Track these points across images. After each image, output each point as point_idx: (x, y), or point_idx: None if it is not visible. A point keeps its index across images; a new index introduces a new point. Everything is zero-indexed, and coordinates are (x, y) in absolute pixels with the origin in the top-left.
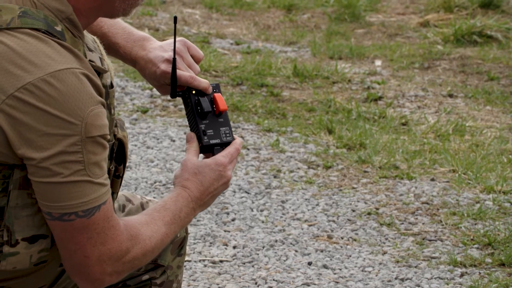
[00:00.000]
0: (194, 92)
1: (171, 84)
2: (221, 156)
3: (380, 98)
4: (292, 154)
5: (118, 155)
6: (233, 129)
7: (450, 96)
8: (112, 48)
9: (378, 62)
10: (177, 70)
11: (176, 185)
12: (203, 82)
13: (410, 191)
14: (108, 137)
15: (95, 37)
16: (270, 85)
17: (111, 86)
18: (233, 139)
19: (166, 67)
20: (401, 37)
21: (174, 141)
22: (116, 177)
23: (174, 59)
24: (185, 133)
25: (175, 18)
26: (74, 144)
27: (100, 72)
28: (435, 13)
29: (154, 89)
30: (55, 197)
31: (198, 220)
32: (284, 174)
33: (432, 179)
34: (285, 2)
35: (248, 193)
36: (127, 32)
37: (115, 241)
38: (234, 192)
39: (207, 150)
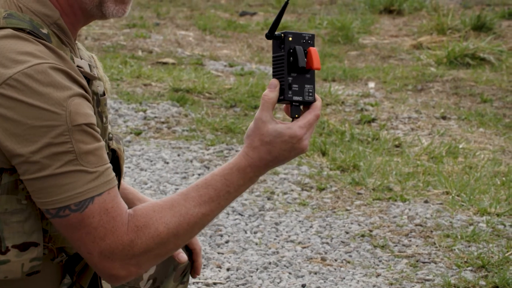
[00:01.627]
0: (290, 38)
1: (273, 23)
2: (298, 127)
3: (373, 120)
4: (286, 176)
5: (113, 167)
6: (226, 151)
7: (443, 118)
8: None
9: (371, 84)
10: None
11: (243, 147)
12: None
13: (403, 213)
14: (96, 128)
15: (93, 54)
16: None
17: (103, 94)
18: (315, 100)
19: None
20: (394, 59)
21: (167, 163)
22: None
23: (287, 2)
24: (178, 155)
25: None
26: (61, 134)
27: (89, 78)
28: (428, 35)
29: (148, 111)
30: (49, 192)
31: None
32: (277, 196)
33: (426, 201)
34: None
35: (242, 215)
36: None
37: (114, 235)
38: (228, 214)
39: (287, 103)
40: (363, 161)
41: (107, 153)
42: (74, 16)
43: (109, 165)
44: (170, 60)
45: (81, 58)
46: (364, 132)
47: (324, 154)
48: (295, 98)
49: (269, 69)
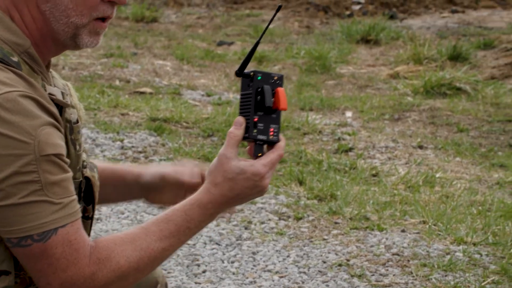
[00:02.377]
0: (260, 77)
1: (244, 61)
2: (261, 165)
3: (350, 149)
4: (263, 205)
5: (87, 195)
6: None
7: (420, 147)
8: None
9: (348, 114)
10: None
11: (205, 183)
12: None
13: (380, 242)
14: (65, 158)
15: (68, 83)
16: None
17: (77, 122)
18: (279, 140)
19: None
20: (371, 89)
21: None
22: (85, 218)
23: (258, 42)
24: None
25: (279, 7)
26: (29, 164)
27: (61, 105)
28: (404, 65)
29: (125, 140)
30: (12, 221)
31: (168, 272)
32: (255, 225)
33: (403, 230)
34: (256, 54)
35: (219, 244)
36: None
37: (76, 267)
38: (205, 243)
39: (251, 141)
40: (340, 191)
41: (81, 180)
42: (45, 46)
43: (75, 197)
44: (148, 90)
45: (55, 86)
46: (342, 161)
47: (301, 183)
48: (260, 137)
49: None
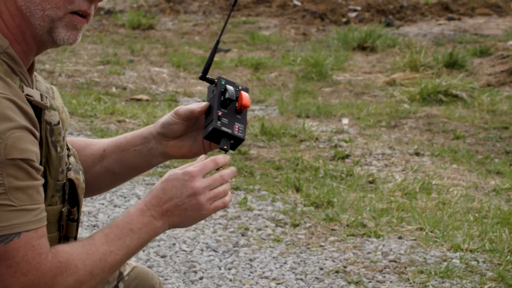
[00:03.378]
0: (223, 83)
1: (206, 64)
2: (192, 166)
3: (347, 156)
4: (260, 212)
5: (71, 197)
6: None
7: (417, 154)
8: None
9: (345, 121)
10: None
11: None
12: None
13: (377, 249)
14: (36, 164)
15: (52, 86)
16: None
17: (57, 123)
18: (244, 138)
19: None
20: (368, 96)
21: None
22: (70, 221)
23: (218, 41)
24: None
25: (235, 1)
26: None
27: (40, 107)
28: (401, 72)
29: None
30: None
31: (165, 279)
32: (251, 232)
33: (400, 237)
34: (252, 61)
35: (216, 251)
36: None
37: (38, 271)
38: (202, 250)
39: (215, 136)
40: (337, 197)
41: (64, 183)
42: (26, 44)
43: (40, 206)
44: (144, 97)
45: (36, 89)
46: (338, 168)
47: (298, 190)
48: (223, 128)
49: None
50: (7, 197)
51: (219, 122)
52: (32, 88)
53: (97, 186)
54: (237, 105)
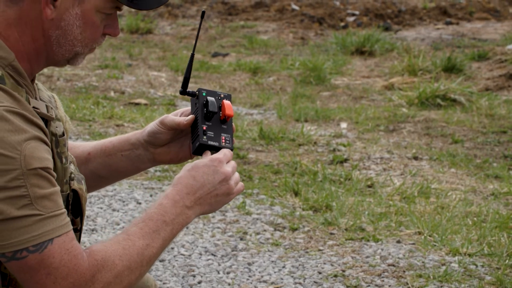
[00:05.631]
0: (204, 94)
1: (184, 79)
2: (216, 154)
3: (345, 160)
4: (259, 216)
5: (75, 207)
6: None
7: (415, 158)
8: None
9: (343, 125)
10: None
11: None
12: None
13: (376, 253)
14: (53, 172)
15: (54, 95)
16: (236, 148)
17: (62, 135)
18: (232, 148)
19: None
20: (366, 100)
21: (140, 203)
22: (74, 231)
23: (193, 54)
24: (151, 196)
25: (203, 12)
26: (16, 179)
27: (46, 119)
28: (399, 76)
29: None
30: (4, 236)
31: (164, 283)
32: (250, 236)
33: (398, 241)
34: (250, 65)
35: (215, 255)
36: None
37: (77, 272)
38: (200, 254)
39: (203, 150)
40: (336, 201)
41: (68, 193)
42: (37, 64)
43: (64, 210)
44: (143, 101)
45: (40, 99)
46: (337, 172)
47: (296, 194)
48: (210, 142)
49: (241, 109)
50: (34, 207)
51: (205, 137)
52: (36, 99)
53: None
54: (220, 115)
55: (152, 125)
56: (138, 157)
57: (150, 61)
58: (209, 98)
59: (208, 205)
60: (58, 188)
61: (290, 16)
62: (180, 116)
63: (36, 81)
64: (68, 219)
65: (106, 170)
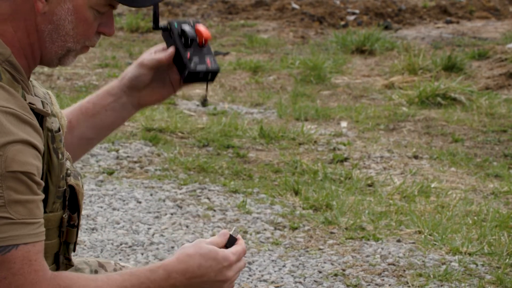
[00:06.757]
0: (176, 25)
1: (154, 14)
2: (231, 252)
3: (346, 159)
4: (259, 215)
5: (72, 203)
6: (199, 191)
7: (415, 157)
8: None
9: (343, 124)
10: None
11: (178, 252)
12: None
13: (376, 252)
14: (36, 178)
15: (48, 91)
16: (236, 147)
17: (58, 130)
18: (219, 68)
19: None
20: (366, 99)
21: (140, 202)
22: (70, 227)
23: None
24: (151, 195)
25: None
26: None
27: (42, 115)
28: (399, 75)
29: (120, 150)
30: None
31: None
32: (250, 235)
33: (398, 240)
34: (251, 64)
35: None
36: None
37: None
38: None
39: (193, 77)
40: (336, 200)
41: (65, 189)
42: (33, 60)
43: (39, 221)
44: None
45: (35, 95)
46: (337, 171)
47: (296, 193)
48: (199, 68)
49: (242, 108)
50: (6, 210)
51: (192, 64)
52: (32, 95)
53: (73, 155)
54: (198, 40)
55: (131, 70)
56: (123, 105)
57: None
58: (184, 26)
59: None
60: (38, 197)
61: (290, 15)
62: (155, 53)
63: (30, 79)
64: (41, 230)
65: (93, 131)
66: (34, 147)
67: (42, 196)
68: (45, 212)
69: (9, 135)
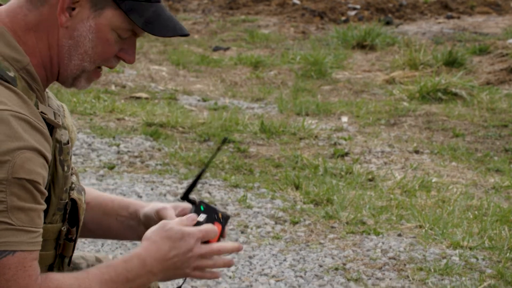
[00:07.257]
0: (202, 208)
1: (189, 186)
2: (197, 230)
3: (346, 154)
4: (259, 209)
5: (72, 217)
6: (199, 185)
7: (416, 152)
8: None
9: (344, 119)
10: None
11: (143, 240)
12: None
13: (377, 246)
14: (41, 188)
15: (63, 104)
16: (237, 141)
17: (67, 143)
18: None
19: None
20: (367, 94)
21: (141, 197)
22: (68, 240)
23: (204, 169)
24: (152, 189)
25: (225, 139)
26: None
27: (53, 125)
28: (400, 70)
29: (121, 145)
30: None
31: None
32: (251, 229)
33: (399, 235)
34: (251, 59)
35: None
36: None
37: None
38: None
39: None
40: (337, 195)
41: (67, 202)
42: (51, 73)
43: (38, 230)
44: (144, 95)
45: (49, 106)
46: (338, 166)
47: (297, 188)
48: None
49: (243, 103)
50: (8, 215)
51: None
52: (46, 106)
53: None
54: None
55: (150, 209)
56: (131, 227)
57: (151, 55)
58: (207, 217)
59: (171, 273)
60: (41, 206)
61: (291, 10)
62: (177, 213)
63: (46, 90)
64: (39, 239)
65: (95, 225)
66: (43, 156)
67: (44, 206)
68: (44, 222)
69: (20, 140)
